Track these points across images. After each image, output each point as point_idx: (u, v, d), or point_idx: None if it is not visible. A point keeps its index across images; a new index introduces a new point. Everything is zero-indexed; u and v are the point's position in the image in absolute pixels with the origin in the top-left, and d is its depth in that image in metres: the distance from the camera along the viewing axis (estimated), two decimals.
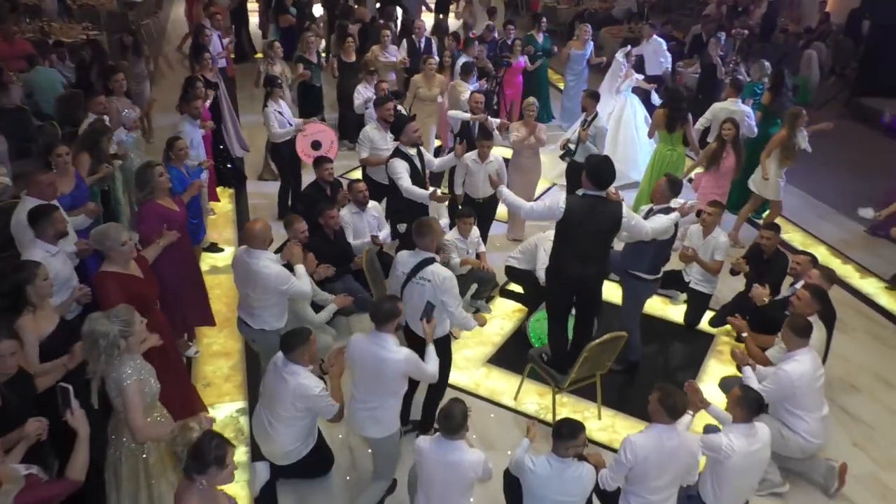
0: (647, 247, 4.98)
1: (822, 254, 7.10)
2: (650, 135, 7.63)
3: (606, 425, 4.89)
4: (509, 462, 3.79)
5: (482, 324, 4.68)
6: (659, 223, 4.84)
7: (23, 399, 3.21)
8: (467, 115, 7.02)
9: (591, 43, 9.86)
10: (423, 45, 9.11)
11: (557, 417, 4.60)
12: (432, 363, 3.98)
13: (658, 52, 9.75)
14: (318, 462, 4.27)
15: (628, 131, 8.44)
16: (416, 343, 4.20)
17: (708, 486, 3.87)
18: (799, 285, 4.98)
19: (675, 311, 6.20)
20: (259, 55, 11.65)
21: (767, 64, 8.09)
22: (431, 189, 5.63)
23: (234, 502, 3.13)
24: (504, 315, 6.08)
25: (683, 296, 6.16)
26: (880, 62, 11.30)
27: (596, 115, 6.87)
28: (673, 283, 6.08)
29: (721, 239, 5.80)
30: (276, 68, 8.05)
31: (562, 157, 7.11)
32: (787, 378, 4.21)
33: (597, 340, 4.47)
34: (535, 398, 5.12)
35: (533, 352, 4.98)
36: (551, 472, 3.49)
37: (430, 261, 4.16)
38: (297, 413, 3.93)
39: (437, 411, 3.62)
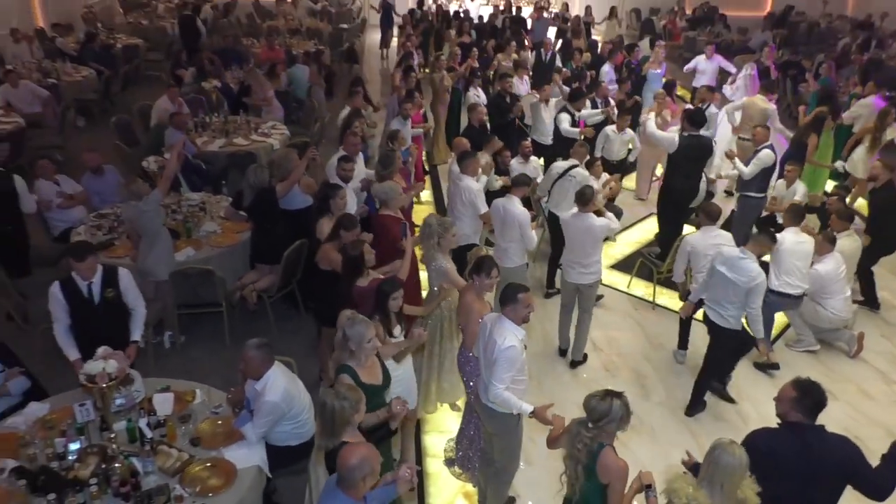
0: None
1: None
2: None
3: None
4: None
5: None
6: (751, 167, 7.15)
7: None
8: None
9: (665, 64, 12.04)
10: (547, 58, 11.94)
11: (657, 302, 6.92)
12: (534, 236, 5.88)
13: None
14: None
15: None
16: (556, 222, 6.46)
17: (772, 273, 5.85)
18: None
19: None
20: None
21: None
22: None
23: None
24: (625, 243, 8.29)
25: None
26: None
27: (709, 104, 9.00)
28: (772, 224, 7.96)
29: (799, 188, 7.60)
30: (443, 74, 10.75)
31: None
32: (817, 275, 6.07)
33: (685, 235, 6.58)
34: (641, 288, 7.28)
35: (643, 249, 7.18)
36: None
37: (576, 165, 6.57)
38: (466, 208, 6.16)
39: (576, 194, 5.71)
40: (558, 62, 12.31)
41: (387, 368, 4.06)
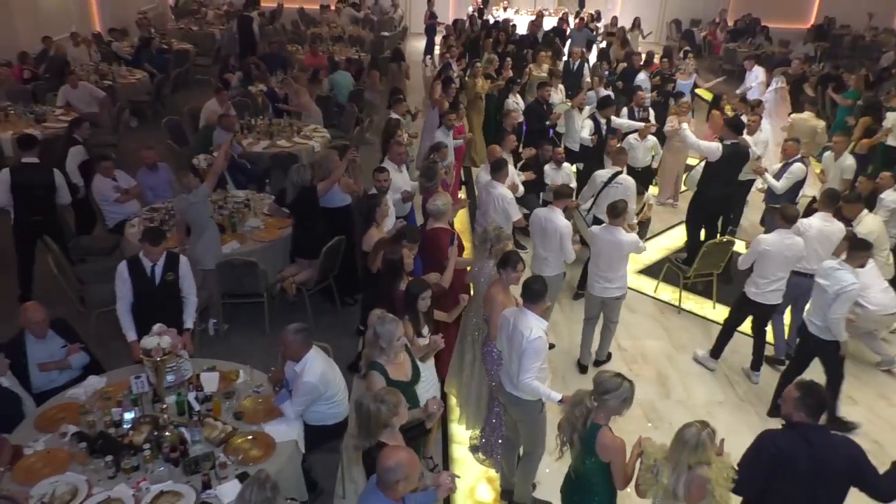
0: None
1: None
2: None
3: (719, 313, 7.03)
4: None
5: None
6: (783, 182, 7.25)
7: None
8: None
9: (695, 74, 12.17)
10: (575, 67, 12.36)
11: (683, 306, 7.02)
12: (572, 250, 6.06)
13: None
14: None
15: None
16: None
17: None
18: None
19: None
20: None
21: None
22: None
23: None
24: (654, 249, 8.40)
25: None
26: None
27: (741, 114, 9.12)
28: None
29: (847, 162, 7.59)
30: (477, 81, 11.10)
31: None
32: None
33: (713, 241, 6.72)
34: (668, 293, 7.42)
35: (670, 255, 7.31)
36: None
37: (620, 172, 6.79)
38: (499, 215, 6.37)
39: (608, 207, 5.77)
40: (586, 71, 12.57)
41: (417, 365, 4.26)
